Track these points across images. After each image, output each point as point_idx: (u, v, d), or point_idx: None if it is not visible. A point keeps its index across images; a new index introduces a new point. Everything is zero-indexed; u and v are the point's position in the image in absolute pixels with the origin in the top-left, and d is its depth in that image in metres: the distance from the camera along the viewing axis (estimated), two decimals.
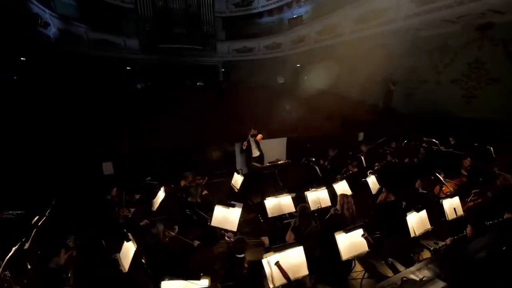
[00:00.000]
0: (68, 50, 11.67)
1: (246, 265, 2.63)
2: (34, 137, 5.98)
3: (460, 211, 4.01)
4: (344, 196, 3.71)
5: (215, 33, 16.70)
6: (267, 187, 5.10)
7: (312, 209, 4.22)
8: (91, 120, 6.40)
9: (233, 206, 3.65)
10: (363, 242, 3.10)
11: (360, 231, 3.09)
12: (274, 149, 6.24)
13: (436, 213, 3.95)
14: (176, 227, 3.53)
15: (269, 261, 2.60)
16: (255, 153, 5.80)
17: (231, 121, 8.12)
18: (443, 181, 4.79)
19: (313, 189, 4.29)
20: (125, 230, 3.33)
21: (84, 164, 4.78)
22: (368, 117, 8.05)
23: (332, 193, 4.48)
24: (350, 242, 3.06)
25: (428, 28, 8.18)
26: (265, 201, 4.07)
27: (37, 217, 3.73)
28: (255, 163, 5.38)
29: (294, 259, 2.72)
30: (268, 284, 2.56)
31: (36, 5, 9.35)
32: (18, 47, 9.70)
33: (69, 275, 2.89)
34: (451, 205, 3.94)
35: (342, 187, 4.61)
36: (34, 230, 3.44)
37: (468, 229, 3.02)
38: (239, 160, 5.96)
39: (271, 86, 14.43)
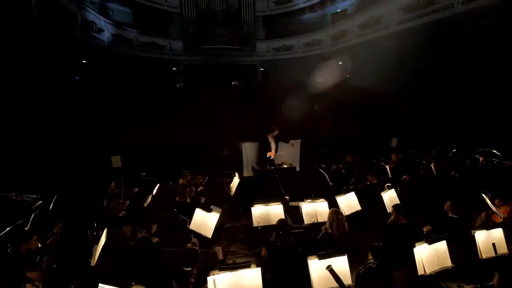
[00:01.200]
0: (119, 52, 12.92)
1: (192, 280, 2.35)
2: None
3: (504, 249, 3.03)
4: (334, 212, 3.14)
5: (255, 33, 16.64)
6: (267, 193, 4.71)
7: (306, 223, 3.73)
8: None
9: (210, 210, 3.40)
10: (346, 272, 2.54)
11: (340, 260, 2.54)
12: (286, 152, 5.76)
13: (469, 247, 3.07)
14: (155, 227, 3.44)
15: (215, 280, 2.28)
16: (273, 154, 5.42)
17: (254, 121, 7.84)
18: (491, 205, 3.72)
19: (308, 200, 3.76)
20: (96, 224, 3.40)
21: (96, 157, 5.13)
22: (408, 120, 6.90)
23: (336, 207, 3.88)
24: (326, 271, 2.52)
25: None
26: (252, 208, 3.71)
27: (40, 202, 4.09)
28: (254, 166, 5.01)
29: (248, 281, 2.34)
30: None
31: (92, 14, 10.57)
32: (79, 51, 11.17)
33: (43, 259, 3.03)
34: (489, 239, 2.99)
35: (347, 201, 3.95)
36: (33, 214, 3.75)
37: (495, 278, 2.19)
38: (246, 161, 5.67)
39: (307, 85, 13.67)
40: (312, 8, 15.66)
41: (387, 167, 5.09)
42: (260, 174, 4.90)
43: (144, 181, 4.74)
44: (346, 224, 3.10)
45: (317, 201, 3.80)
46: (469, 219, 3.61)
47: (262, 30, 17.22)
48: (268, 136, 5.32)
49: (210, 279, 2.28)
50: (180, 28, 16.20)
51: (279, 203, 3.78)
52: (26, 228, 3.68)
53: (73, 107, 7.45)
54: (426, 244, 2.70)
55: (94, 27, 10.75)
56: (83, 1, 11.65)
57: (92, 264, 2.99)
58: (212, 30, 15.91)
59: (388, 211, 3.91)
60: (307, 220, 3.69)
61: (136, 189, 4.63)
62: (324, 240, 3.09)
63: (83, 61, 12.56)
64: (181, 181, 4.77)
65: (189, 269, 2.36)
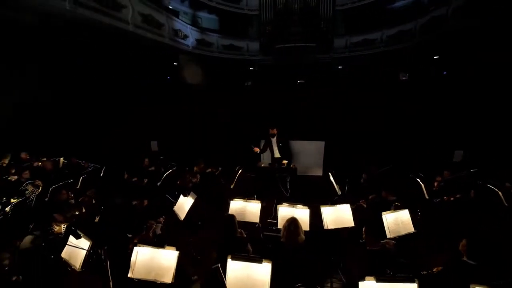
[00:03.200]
0: (201, 54, 14.81)
1: (130, 246, 2.69)
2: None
3: None
4: (289, 221, 2.83)
5: (333, 28, 15.73)
6: (267, 190, 4.60)
7: (279, 226, 3.48)
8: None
9: (187, 195, 3.67)
10: (264, 282, 2.31)
11: (263, 266, 2.32)
12: (308, 155, 5.38)
13: None
14: (146, 201, 4.00)
15: (138, 252, 2.54)
16: (276, 154, 5.27)
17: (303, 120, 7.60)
18: None
19: (285, 204, 3.49)
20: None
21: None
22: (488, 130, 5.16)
23: (319, 216, 3.45)
24: (245, 275, 2.37)
25: None
26: (231, 202, 3.76)
27: (90, 169, 5.35)
28: (260, 163, 4.90)
29: (164, 261, 2.48)
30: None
31: (178, 22, 12.56)
32: (169, 55, 13.54)
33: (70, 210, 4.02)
34: None
35: (337, 214, 3.41)
36: (81, 177, 4.97)
37: None
38: (262, 158, 5.60)
39: (388, 84, 11.90)
40: None
41: (423, 184, 4.03)
42: (260, 171, 4.81)
43: (167, 163, 5.48)
44: (300, 237, 2.75)
45: (297, 206, 3.48)
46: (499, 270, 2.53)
47: (341, 25, 16.09)
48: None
49: (135, 249, 2.56)
50: (257, 30, 17.06)
51: (258, 202, 3.67)
52: (78, 187, 4.92)
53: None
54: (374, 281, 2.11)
55: (180, 34, 12.73)
56: (176, 14, 14.01)
57: (95, 221, 3.79)
58: (287, 29, 16.02)
59: (388, 236, 3.18)
60: (281, 225, 3.44)
61: (163, 169, 5.40)
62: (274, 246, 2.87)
63: (174, 63, 15.16)
64: (195, 168, 5.25)
65: (130, 236, 2.71)
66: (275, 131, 5.01)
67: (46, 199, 4.32)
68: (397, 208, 3.32)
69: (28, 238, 3.06)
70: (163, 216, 3.58)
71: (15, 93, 6.50)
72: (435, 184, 4.32)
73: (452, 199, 3.82)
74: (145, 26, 10.03)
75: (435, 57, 12.46)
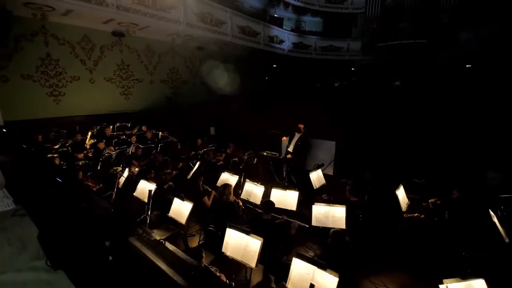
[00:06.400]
0: (297, 57, 15.86)
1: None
2: None
3: None
4: (222, 185, 3.77)
5: (457, 20, 12.87)
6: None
7: (241, 196, 4.38)
8: None
9: (194, 164, 5.22)
10: (183, 214, 3.47)
11: (185, 204, 3.49)
12: (319, 154, 5.69)
13: None
14: (181, 163, 5.86)
15: (147, 185, 4.28)
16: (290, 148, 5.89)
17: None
18: None
19: (248, 181, 4.35)
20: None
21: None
22: None
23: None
24: (179, 208, 3.62)
25: None
26: (222, 173, 4.97)
27: (169, 140, 7.84)
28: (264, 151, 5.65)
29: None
30: None
31: (275, 29, 14.18)
32: (269, 58, 15.48)
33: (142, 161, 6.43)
34: None
35: (284, 197, 3.95)
36: (159, 144, 7.47)
37: None
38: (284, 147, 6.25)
39: None
40: None
41: (399, 194, 3.71)
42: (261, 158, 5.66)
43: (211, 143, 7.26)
44: (227, 197, 3.66)
45: (257, 185, 4.28)
46: None
47: (470, 14, 12.83)
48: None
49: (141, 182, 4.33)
50: (361, 28, 16.23)
51: (237, 176, 4.72)
52: (157, 150, 7.47)
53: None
54: None
55: (276, 39, 14.32)
56: (281, 21, 15.70)
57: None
58: (393, 25, 14.47)
59: (313, 224, 3.49)
60: (243, 196, 4.36)
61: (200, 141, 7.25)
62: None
63: (274, 66, 17.07)
64: (228, 150, 6.71)
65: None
66: (302, 126, 5.66)
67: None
68: (328, 202, 3.51)
69: (112, 170, 5.50)
70: (175, 171, 5.31)
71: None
72: (429, 201, 3.74)
73: (422, 216, 3.33)
74: (242, 35, 12.26)
75: None
